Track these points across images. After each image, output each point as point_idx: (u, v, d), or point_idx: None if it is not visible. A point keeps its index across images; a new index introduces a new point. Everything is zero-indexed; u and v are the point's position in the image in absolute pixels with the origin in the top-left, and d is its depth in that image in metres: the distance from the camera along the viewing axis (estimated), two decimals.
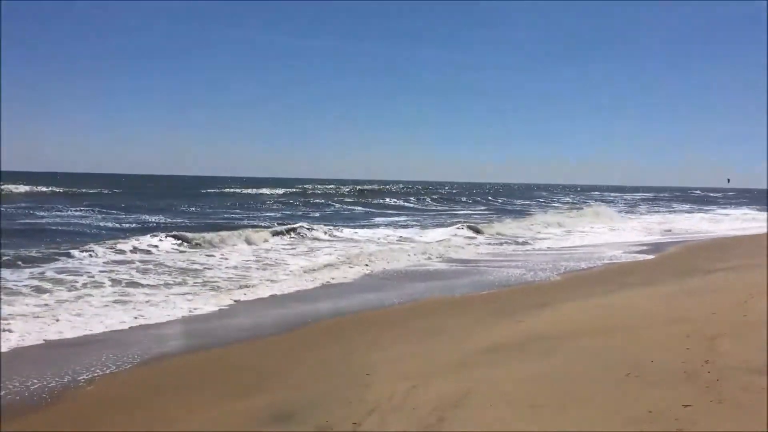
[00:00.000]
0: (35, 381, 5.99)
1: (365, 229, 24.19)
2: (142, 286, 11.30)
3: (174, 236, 17.95)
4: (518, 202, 61.87)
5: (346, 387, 5.50)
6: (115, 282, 11.54)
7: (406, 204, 50.21)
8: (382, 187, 73.11)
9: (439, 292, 11.21)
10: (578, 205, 53.21)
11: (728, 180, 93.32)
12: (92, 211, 32.27)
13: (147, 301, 9.87)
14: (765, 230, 27.74)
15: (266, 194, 57.33)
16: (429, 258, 16.31)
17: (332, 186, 73.06)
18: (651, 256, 16.71)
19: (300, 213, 36.69)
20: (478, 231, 23.81)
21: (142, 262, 14.28)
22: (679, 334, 6.28)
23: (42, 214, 29.45)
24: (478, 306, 9.69)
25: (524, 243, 21.09)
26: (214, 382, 6.11)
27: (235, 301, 10.14)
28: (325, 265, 14.44)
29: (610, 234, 25.07)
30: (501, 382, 5.25)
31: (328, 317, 9.01)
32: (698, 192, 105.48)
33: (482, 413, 4.54)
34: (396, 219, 34.38)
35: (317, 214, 35.88)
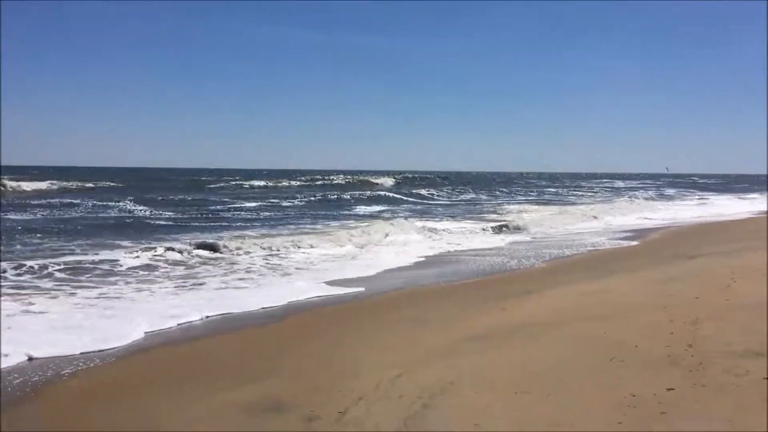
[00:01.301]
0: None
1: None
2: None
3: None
4: (528, 190, 59.80)
5: (334, 376, 5.49)
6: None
7: (430, 193, 47.80)
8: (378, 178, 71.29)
9: (445, 279, 11.20)
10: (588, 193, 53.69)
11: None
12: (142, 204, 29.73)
13: None
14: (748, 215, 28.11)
15: (290, 186, 54.35)
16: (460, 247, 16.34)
17: (318, 176, 71.52)
18: (635, 242, 16.84)
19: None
20: (505, 226, 21.57)
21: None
22: (662, 319, 6.34)
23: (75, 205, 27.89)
24: (463, 294, 9.70)
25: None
26: (204, 374, 6.03)
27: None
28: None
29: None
30: (486, 370, 5.27)
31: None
32: (696, 179, 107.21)
33: (467, 400, 4.56)
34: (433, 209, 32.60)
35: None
